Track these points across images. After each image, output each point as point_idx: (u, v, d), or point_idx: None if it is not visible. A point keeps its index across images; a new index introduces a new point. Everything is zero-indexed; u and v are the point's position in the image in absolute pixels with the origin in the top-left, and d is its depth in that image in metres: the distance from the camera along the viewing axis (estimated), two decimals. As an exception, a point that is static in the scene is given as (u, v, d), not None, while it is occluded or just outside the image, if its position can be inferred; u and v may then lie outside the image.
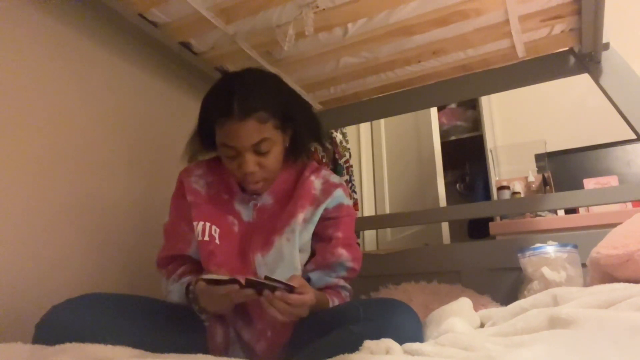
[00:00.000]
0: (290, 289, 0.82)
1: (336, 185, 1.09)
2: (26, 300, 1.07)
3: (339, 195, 1.08)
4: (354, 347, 0.71)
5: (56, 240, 1.17)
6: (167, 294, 1.02)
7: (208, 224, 1.00)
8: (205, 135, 1.03)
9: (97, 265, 1.27)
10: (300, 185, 1.07)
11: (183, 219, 1.05)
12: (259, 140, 0.95)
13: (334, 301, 1.01)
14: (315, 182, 1.08)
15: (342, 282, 1.05)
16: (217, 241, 0.99)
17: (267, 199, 1.07)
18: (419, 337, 0.83)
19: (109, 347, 0.71)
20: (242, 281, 0.80)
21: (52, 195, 1.18)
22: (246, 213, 1.05)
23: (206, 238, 0.98)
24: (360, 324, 0.80)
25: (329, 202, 1.06)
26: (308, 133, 1.07)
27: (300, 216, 1.03)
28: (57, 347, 0.69)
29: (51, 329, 0.78)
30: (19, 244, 1.09)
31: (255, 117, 0.93)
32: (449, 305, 0.98)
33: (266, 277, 0.81)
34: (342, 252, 1.04)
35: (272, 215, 1.05)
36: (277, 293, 0.81)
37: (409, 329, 0.82)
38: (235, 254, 1.01)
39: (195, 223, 1.00)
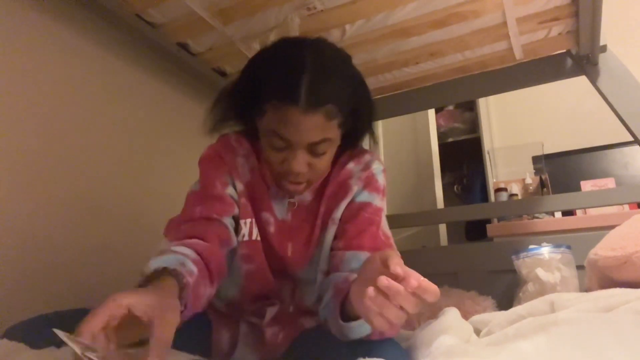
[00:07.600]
0: None
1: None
2: (23, 301, 1.06)
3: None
4: None
5: (53, 242, 1.16)
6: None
7: (253, 220, 0.89)
8: (245, 101, 0.85)
9: (93, 268, 1.26)
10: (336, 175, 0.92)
11: (223, 185, 0.89)
12: (320, 140, 0.79)
13: None
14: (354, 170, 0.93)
15: None
16: (258, 237, 0.89)
17: (305, 196, 0.93)
18: None
19: None
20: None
21: (47, 195, 1.17)
22: (280, 209, 0.92)
23: (254, 238, 0.89)
24: None
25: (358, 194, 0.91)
26: (367, 128, 0.93)
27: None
28: None
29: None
30: (17, 244, 1.08)
31: (324, 111, 0.77)
32: (437, 321, 0.92)
33: None
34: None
35: (309, 215, 0.92)
36: None
37: None
38: (272, 260, 0.90)
39: (242, 221, 0.89)
